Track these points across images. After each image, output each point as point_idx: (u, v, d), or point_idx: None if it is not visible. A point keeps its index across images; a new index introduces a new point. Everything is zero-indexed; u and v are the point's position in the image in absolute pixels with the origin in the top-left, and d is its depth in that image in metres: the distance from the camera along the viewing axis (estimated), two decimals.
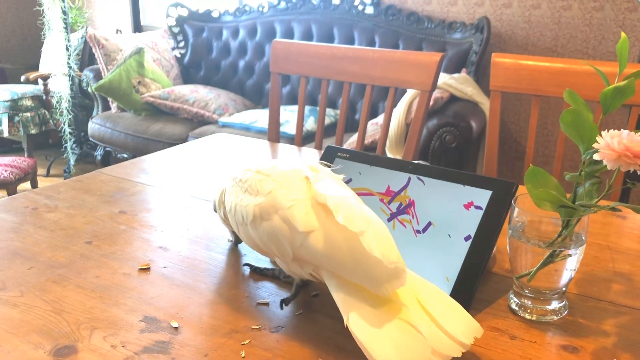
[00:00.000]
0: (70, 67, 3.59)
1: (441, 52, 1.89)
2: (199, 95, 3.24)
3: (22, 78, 3.77)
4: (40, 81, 3.78)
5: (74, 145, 3.70)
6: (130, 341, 0.64)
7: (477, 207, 0.76)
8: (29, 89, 3.82)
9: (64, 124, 3.62)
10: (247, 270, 0.81)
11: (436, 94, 2.54)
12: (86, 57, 3.96)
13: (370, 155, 0.89)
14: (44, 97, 3.83)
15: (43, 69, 3.96)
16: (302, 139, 1.65)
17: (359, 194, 0.85)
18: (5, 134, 3.73)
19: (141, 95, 3.27)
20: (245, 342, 0.65)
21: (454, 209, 0.78)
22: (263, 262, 0.84)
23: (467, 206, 0.77)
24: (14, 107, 3.70)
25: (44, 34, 3.62)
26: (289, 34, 3.38)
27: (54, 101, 3.71)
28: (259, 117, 3.01)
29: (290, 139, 2.71)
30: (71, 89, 3.62)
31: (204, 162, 1.32)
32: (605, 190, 0.66)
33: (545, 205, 0.66)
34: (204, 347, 0.64)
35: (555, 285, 0.70)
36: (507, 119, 3.04)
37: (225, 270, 0.82)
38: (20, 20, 4.54)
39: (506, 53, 1.69)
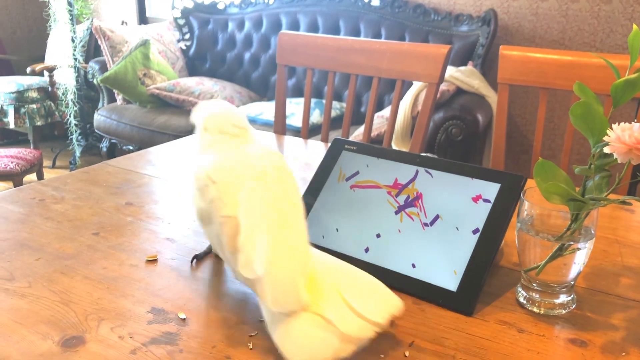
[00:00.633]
0: (75, 59, 3.59)
1: (448, 44, 1.88)
2: (205, 88, 3.24)
3: (28, 70, 3.77)
4: (46, 73, 3.78)
5: (80, 137, 3.70)
6: (138, 332, 0.65)
7: (486, 201, 0.76)
8: (35, 80, 3.83)
9: (70, 116, 3.62)
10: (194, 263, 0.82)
11: (442, 86, 2.53)
12: (92, 49, 3.95)
13: (377, 147, 0.89)
14: (50, 89, 3.83)
15: (49, 61, 3.97)
16: (308, 131, 1.64)
17: (366, 187, 0.85)
18: (11, 126, 3.74)
19: (147, 87, 3.27)
20: (252, 334, 0.65)
21: (462, 202, 0.77)
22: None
23: (476, 199, 0.77)
24: (20, 98, 3.71)
25: (49, 26, 3.61)
26: (295, 26, 3.37)
27: (59, 93, 3.71)
28: (265, 110, 3.00)
29: (296, 132, 2.70)
30: (77, 81, 3.62)
31: None
32: (615, 183, 0.66)
33: (554, 198, 0.66)
34: (211, 339, 0.64)
35: (563, 279, 0.70)
36: (513, 111, 3.03)
37: None
38: (26, 12, 4.54)
39: (513, 46, 1.68)
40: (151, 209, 0.99)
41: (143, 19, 4.30)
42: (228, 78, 3.60)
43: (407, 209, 0.81)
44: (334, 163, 0.90)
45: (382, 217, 0.82)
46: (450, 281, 0.72)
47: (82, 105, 3.68)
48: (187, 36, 3.72)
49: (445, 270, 0.74)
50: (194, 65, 3.73)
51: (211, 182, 0.69)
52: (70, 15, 3.53)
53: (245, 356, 0.61)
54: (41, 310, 0.68)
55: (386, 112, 2.63)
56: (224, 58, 3.67)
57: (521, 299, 0.72)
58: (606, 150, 0.63)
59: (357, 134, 2.55)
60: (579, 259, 0.68)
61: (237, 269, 0.65)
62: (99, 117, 3.40)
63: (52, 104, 3.87)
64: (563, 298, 0.71)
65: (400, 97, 1.50)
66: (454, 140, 2.42)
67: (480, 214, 0.75)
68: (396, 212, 0.81)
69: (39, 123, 3.80)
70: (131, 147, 3.29)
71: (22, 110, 3.72)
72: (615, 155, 0.62)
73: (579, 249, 0.67)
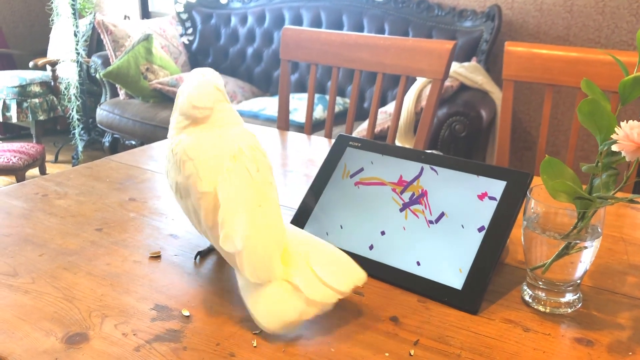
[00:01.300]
0: (78, 53, 3.58)
1: (452, 40, 1.87)
2: None
3: (31, 64, 3.76)
4: (48, 67, 3.78)
5: (82, 132, 3.70)
6: (142, 329, 0.64)
7: (491, 198, 0.75)
8: (38, 75, 3.82)
9: (72, 110, 3.62)
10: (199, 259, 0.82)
11: (446, 82, 2.52)
12: (94, 44, 3.95)
13: (382, 144, 0.88)
14: (52, 83, 3.83)
15: (51, 55, 3.96)
16: (311, 127, 1.64)
17: (370, 184, 0.85)
18: (14, 120, 3.74)
19: (149, 82, 3.26)
20: (256, 332, 0.64)
21: (467, 199, 0.77)
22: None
23: (481, 197, 0.76)
24: (23, 93, 3.71)
25: (52, 20, 3.61)
26: (298, 21, 3.36)
27: (62, 87, 3.71)
28: (267, 105, 3.00)
29: (298, 127, 2.69)
30: (79, 75, 3.62)
31: None
32: (622, 182, 0.65)
33: (561, 196, 0.65)
34: (215, 336, 0.63)
35: (569, 278, 0.69)
36: (517, 108, 3.02)
37: None
38: (29, 6, 4.53)
39: (518, 42, 1.67)
40: (154, 205, 0.98)
41: (146, 14, 4.29)
42: (230, 73, 3.59)
43: (412, 206, 0.80)
44: (338, 159, 0.90)
45: (386, 214, 0.81)
46: (455, 279, 0.72)
47: (84, 99, 3.67)
48: (190, 31, 3.71)
49: (450, 268, 0.73)
50: (196, 60, 3.72)
51: (188, 158, 0.72)
52: (73, 9, 3.52)
53: (250, 354, 0.61)
54: (44, 307, 0.68)
55: (389, 107, 2.62)
56: (226, 53, 3.66)
57: (527, 298, 0.72)
58: (614, 148, 0.62)
59: (361, 130, 2.54)
60: (586, 258, 0.68)
61: (216, 243, 0.69)
62: (102, 112, 3.40)
63: (55, 99, 3.86)
64: (569, 297, 0.70)
65: (404, 93, 1.49)
66: (458, 136, 2.41)
67: (485, 212, 0.75)
68: (401, 210, 0.81)
69: (41, 117, 3.79)
70: (133, 142, 3.28)
71: (25, 104, 3.72)
72: (623, 154, 0.62)
73: (585, 247, 0.67)
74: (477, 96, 2.54)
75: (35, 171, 3.15)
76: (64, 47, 3.67)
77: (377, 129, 2.46)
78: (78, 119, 3.63)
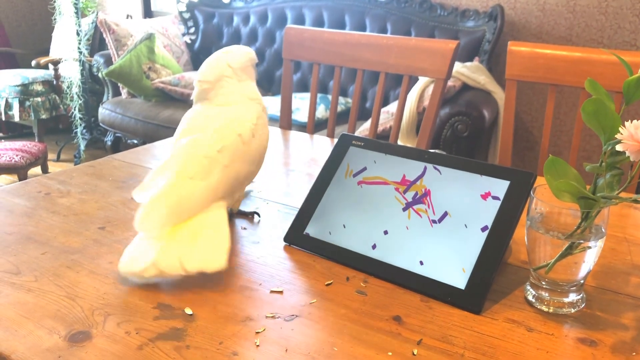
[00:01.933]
0: (80, 52, 3.59)
1: (454, 40, 1.86)
2: None
3: (33, 63, 3.76)
4: (50, 66, 3.78)
5: (84, 131, 3.70)
6: (145, 328, 0.64)
7: (495, 198, 0.75)
8: (40, 73, 3.82)
9: (75, 109, 3.62)
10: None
11: (448, 82, 2.52)
12: (97, 43, 3.95)
13: (385, 143, 0.88)
14: (55, 82, 3.83)
15: (54, 54, 3.96)
16: (314, 126, 1.64)
17: (373, 183, 0.85)
18: (16, 119, 3.74)
19: (151, 81, 3.26)
20: (259, 331, 0.64)
21: (471, 199, 0.77)
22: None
23: (485, 196, 0.76)
24: (25, 91, 3.71)
25: (54, 19, 3.61)
26: (300, 21, 3.36)
27: (64, 86, 3.71)
28: (270, 104, 2.99)
29: (300, 127, 2.69)
30: (82, 74, 3.62)
31: None
32: (627, 182, 0.65)
33: (564, 196, 0.65)
34: (218, 335, 0.63)
35: (573, 278, 0.69)
36: (519, 108, 3.01)
37: (239, 257, 0.81)
38: (31, 5, 4.53)
39: (521, 42, 1.66)
40: None
41: (148, 13, 4.29)
42: None
43: (415, 205, 0.80)
44: (341, 159, 0.89)
45: (389, 213, 0.81)
46: (458, 279, 0.72)
47: (86, 98, 3.68)
48: (192, 30, 3.71)
49: (453, 267, 0.73)
50: (198, 59, 3.72)
51: (185, 119, 0.88)
52: (76, 8, 3.53)
53: (252, 352, 0.61)
54: (47, 305, 0.68)
55: (391, 107, 2.62)
56: None
57: (530, 298, 0.71)
58: (618, 147, 0.62)
59: (363, 130, 2.54)
60: (589, 258, 0.68)
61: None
62: (104, 111, 3.40)
63: (57, 97, 3.87)
64: (572, 297, 0.70)
65: (407, 93, 1.49)
66: (460, 136, 2.41)
67: (489, 211, 0.75)
68: (404, 209, 0.81)
69: (43, 116, 3.80)
70: (136, 141, 3.28)
71: (27, 103, 3.72)
72: (627, 153, 0.62)
73: (589, 247, 0.67)
74: (479, 96, 2.54)
75: (37, 170, 3.15)
76: (66, 46, 3.67)
77: (380, 128, 2.46)
78: (80, 118, 3.64)
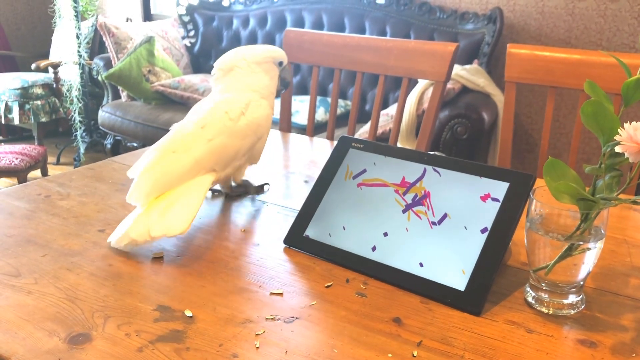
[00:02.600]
0: (80, 56, 3.59)
1: (453, 42, 1.86)
2: (209, 85, 3.23)
3: (33, 66, 3.77)
4: (50, 69, 3.78)
5: (84, 134, 3.70)
6: (145, 330, 0.64)
7: (494, 199, 0.75)
8: (40, 77, 3.83)
9: (74, 112, 3.62)
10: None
11: (448, 85, 2.52)
12: (96, 46, 3.95)
13: (384, 145, 0.88)
14: (55, 85, 3.83)
15: (53, 57, 3.96)
16: (313, 129, 1.64)
17: (373, 185, 0.85)
18: (16, 122, 3.74)
19: (151, 84, 3.26)
20: (259, 332, 0.64)
21: (470, 200, 0.77)
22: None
23: (484, 198, 0.76)
24: (25, 95, 3.71)
25: (54, 22, 3.61)
26: (300, 24, 3.36)
27: (64, 89, 3.71)
28: None
29: (300, 129, 2.69)
30: (81, 77, 3.62)
31: None
32: (626, 183, 0.65)
33: (564, 197, 0.65)
34: (218, 337, 0.63)
35: (573, 279, 0.69)
36: (519, 110, 3.02)
37: (239, 259, 0.81)
38: (31, 8, 4.54)
39: (521, 44, 1.67)
40: None
41: (148, 16, 4.29)
42: None
43: (414, 207, 0.80)
44: (341, 161, 0.90)
45: (389, 215, 0.81)
46: (458, 280, 0.72)
47: (86, 101, 3.68)
48: (192, 33, 3.71)
49: (453, 269, 0.73)
50: (198, 62, 3.72)
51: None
52: (75, 11, 3.53)
53: (252, 354, 0.61)
54: (47, 307, 0.68)
55: (391, 110, 2.62)
56: None
57: (530, 299, 0.72)
58: (617, 149, 0.62)
59: (362, 132, 2.54)
60: (589, 259, 0.68)
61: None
62: (104, 114, 3.40)
63: (57, 101, 3.87)
64: (572, 298, 0.70)
65: (406, 95, 1.49)
66: (459, 138, 2.41)
67: (488, 213, 0.75)
68: (404, 211, 0.81)
69: (43, 119, 3.80)
70: (135, 144, 3.28)
71: (27, 106, 3.72)
72: (626, 155, 0.62)
73: (588, 249, 0.67)
74: (478, 99, 2.54)
75: (37, 173, 3.15)
76: (66, 49, 3.68)
77: (379, 131, 2.46)
78: (80, 121, 3.64)
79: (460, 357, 0.61)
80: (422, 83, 2.53)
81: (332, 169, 0.90)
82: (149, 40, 3.28)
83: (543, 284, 0.70)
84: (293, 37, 1.61)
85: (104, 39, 3.37)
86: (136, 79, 3.23)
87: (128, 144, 3.34)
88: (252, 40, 3.55)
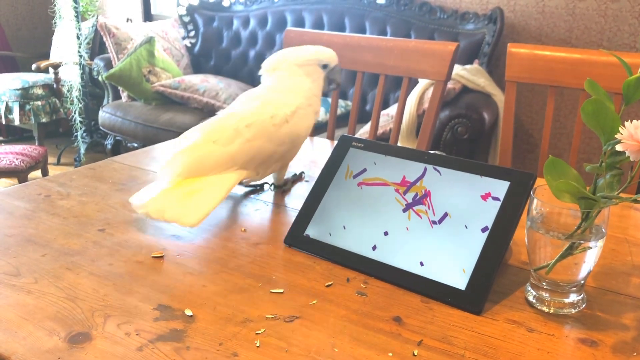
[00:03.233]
0: (81, 56, 3.59)
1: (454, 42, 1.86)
2: (210, 85, 3.23)
3: (33, 66, 3.77)
4: (51, 70, 3.78)
5: (85, 134, 3.70)
6: (145, 329, 0.64)
7: (495, 198, 0.75)
8: (40, 77, 3.83)
9: (75, 113, 3.62)
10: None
11: (448, 85, 2.52)
12: (97, 46, 3.95)
13: (385, 145, 0.88)
14: (55, 86, 3.83)
15: (54, 58, 3.97)
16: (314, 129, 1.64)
17: (373, 184, 0.85)
18: (17, 122, 3.74)
19: (151, 84, 3.26)
20: (259, 332, 0.64)
21: (471, 200, 0.77)
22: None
23: (485, 197, 0.76)
24: (25, 95, 3.71)
25: (54, 23, 3.61)
26: (300, 24, 3.36)
27: (64, 90, 3.71)
28: None
29: None
30: (82, 78, 3.62)
31: None
32: (627, 182, 0.65)
33: (564, 196, 0.65)
34: (218, 336, 0.63)
35: (573, 278, 0.69)
36: (519, 110, 3.01)
37: (239, 259, 0.81)
38: (32, 8, 4.54)
39: (521, 43, 1.66)
40: None
41: (148, 16, 4.29)
42: (233, 75, 3.60)
43: (415, 206, 0.80)
44: (341, 160, 0.89)
45: (389, 214, 0.81)
46: (459, 279, 0.72)
47: (87, 102, 3.68)
48: (192, 33, 3.71)
49: (453, 268, 0.73)
50: (198, 63, 3.72)
51: (242, 95, 1.04)
52: (76, 12, 3.53)
53: (252, 353, 0.61)
54: (47, 306, 0.68)
55: (391, 110, 2.62)
56: (228, 55, 3.66)
57: (530, 298, 0.71)
58: (618, 148, 0.62)
59: (363, 132, 2.54)
60: (590, 258, 0.68)
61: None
62: (104, 114, 3.40)
63: (57, 101, 3.87)
64: (573, 297, 0.70)
65: (407, 95, 1.49)
66: (460, 138, 2.41)
67: (489, 212, 0.75)
68: (404, 210, 0.81)
69: (44, 120, 3.80)
70: (136, 145, 3.28)
71: (27, 107, 3.73)
72: (627, 153, 0.62)
73: (589, 247, 0.67)
74: (479, 98, 2.54)
75: (37, 173, 3.15)
76: (66, 50, 3.68)
77: (380, 131, 2.46)
78: (80, 122, 3.64)
79: (460, 356, 0.61)
80: (422, 83, 2.53)
81: (332, 168, 0.89)
82: (149, 41, 3.28)
83: (544, 283, 0.70)
84: (293, 37, 1.61)
85: (104, 39, 3.37)
86: (136, 79, 3.23)
87: (128, 145, 3.34)
88: (253, 40, 3.55)
